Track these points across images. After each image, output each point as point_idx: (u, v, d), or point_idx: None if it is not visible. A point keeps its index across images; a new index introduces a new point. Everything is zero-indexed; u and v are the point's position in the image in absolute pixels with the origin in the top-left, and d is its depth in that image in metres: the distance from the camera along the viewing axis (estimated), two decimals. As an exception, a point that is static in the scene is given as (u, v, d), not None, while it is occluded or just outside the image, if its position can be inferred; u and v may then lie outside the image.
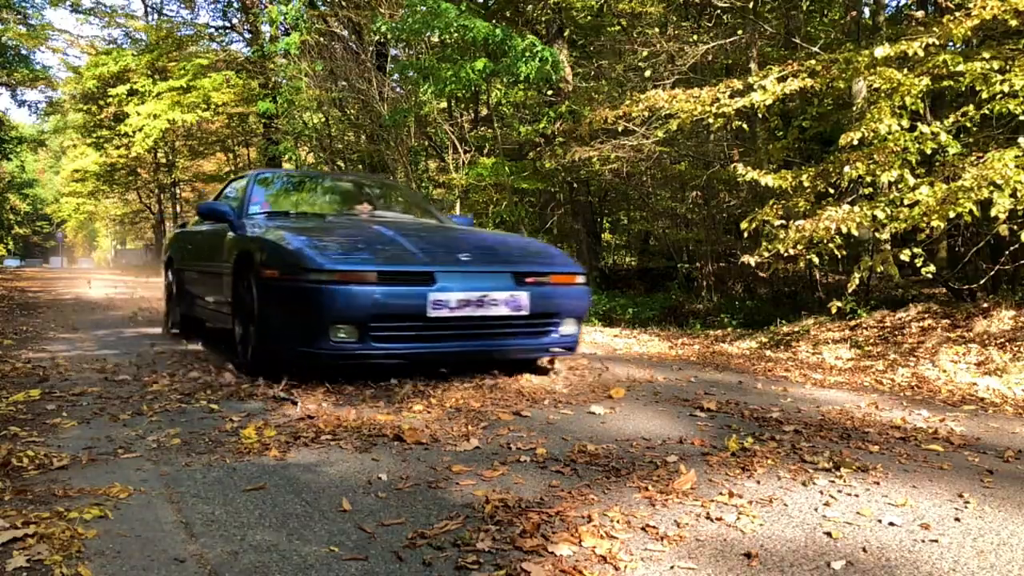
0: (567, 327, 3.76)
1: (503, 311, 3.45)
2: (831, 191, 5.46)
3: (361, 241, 3.70)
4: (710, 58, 9.00)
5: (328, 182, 5.57)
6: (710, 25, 9.80)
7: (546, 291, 3.64)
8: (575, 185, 11.00)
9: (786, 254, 5.10)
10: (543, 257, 3.99)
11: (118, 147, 25.08)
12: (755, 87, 5.67)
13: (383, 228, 3.98)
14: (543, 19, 11.17)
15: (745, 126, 7.76)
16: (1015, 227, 4.67)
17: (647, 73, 8.67)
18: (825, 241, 4.88)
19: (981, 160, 4.57)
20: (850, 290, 5.18)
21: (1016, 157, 4.34)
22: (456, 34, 8.02)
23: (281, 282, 3.37)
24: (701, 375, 4.23)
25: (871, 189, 5.56)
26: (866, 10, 8.23)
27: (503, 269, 3.61)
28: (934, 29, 5.08)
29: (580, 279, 3.84)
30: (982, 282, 6.03)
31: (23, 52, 22.61)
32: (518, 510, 1.83)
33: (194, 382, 3.59)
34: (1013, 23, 4.89)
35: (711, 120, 6.23)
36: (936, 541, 1.68)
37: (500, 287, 3.48)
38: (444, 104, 11.63)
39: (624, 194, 11.44)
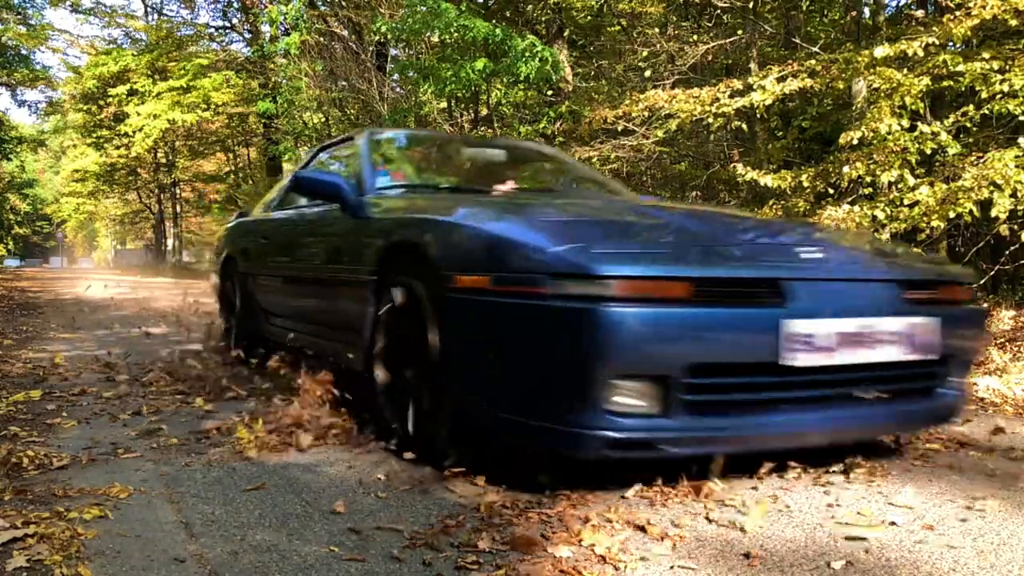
0: (959, 375, 2.30)
1: (896, 353, 2.02)
2: (831, 191, 5.46)
3: (621, 228, 2.31)
4: (710, 58, 9.00)
5: (468, 147, 4.16)
6: (710, 25, 9.80)
7: (950, 315, 2.19)
8: (575, 185, 10.99)
9: (786, 254, 5.09)
10: (905, 255, 2.57)
11: (118, 147, 25.12)
12: (755, 87, 5.67)
13: (629, 205, 2.78)
14: (543, 19, 11.17)
15: (745, 126, 7.76)
16: (1015, 227, 4.67)
17: (647, 73, 8.67)
18: (825, 241, 4.87)
19: (981, 160, 4.57)
20: (850, 290, 5.16)
21: (1016, 157, 4.34)
22: (456, 34, 8.02)
23: (500, 299, 1.92)
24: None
25: (871, 189, 5.56)
26: (866, 10, 8.23)
27: (884, 276, 2.19)
28: (934, 29, 5.09)
29: (966, 292, 2.37)
30: (982, 282, 6.03)
31: (23, 52, 22.67)
32: (517, 510, 1.83)
33: (194, 382, 3.58)
34: (1013, 23, 4.89)
35: (711, 120, 6.23)
36: (936, 541, 1.68)
37: (885, 309, 2.05)
38: (444, 104, 11.63)
39: (624, 194, 11.45)
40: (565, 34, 11.26)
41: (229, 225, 4.86)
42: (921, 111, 5.62)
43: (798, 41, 8.30)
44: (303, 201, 3.62)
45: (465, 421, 2.09)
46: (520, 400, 1.91)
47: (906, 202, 4.67)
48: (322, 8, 12.55)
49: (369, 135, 3.42)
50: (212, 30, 21.39)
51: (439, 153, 3.82)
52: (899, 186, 4.91)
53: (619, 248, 1.96)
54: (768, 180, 5.42)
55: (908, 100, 4.94)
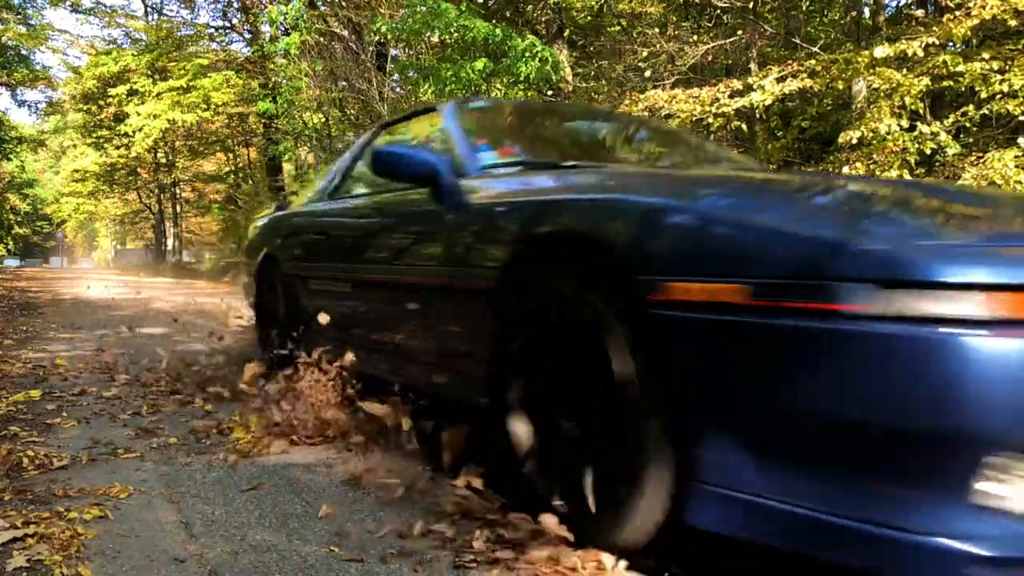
0: None
1: None
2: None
3: (917, 211, 1.47)
4: (710, 58, 9.01)
5: (569, 118, 3.47)
6: (710, 25, 9.81)
7: None
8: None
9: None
10: None
11: (118, 147, 25.13)
12: (755, 87, 5.68)
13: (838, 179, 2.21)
14: (543, 19, 11.18)
15: (745, 126, 7.77)
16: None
17: (647, 73, 8.68)
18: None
19: (981, 160, 4.57)
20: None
21: (1016, 157, 4.35)
22: (456, 34, 8.03)
23: (766, 319, 1.25)
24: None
25: (871, 189, 5.57)
26: (866, 10, 8.23)
27: None
28: (934, 29, 5.09)
29: None
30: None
31: (23, 52, 22.68)
32: (514, 511, 1.83)
33: (195, 383, 3.58)
34: (1013, 23, 4.90)
35: (711, 120, 6.24)
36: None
37: None
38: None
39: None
40: (565, 34, 11.27)
41: (266, 218, 4.21)
42: (921, 111, 5.63)
43: (798, 41, 8.31)
44: (360, 189, 3.12)
45: (695, 508, 1.37)
46: (806, 483, 1.22)
47: (906, 202, 4.68)
48: (322, 8, 12.56)
49: (455, 105, 2.80)
50: (212, 30, 21.40)
51: (541, 125, 3.11)
52: (899, 186, 4.92)
53: (963, 241, 1.25)
54: (768, 180, 5.42)
55: (908, 100, 4.95)
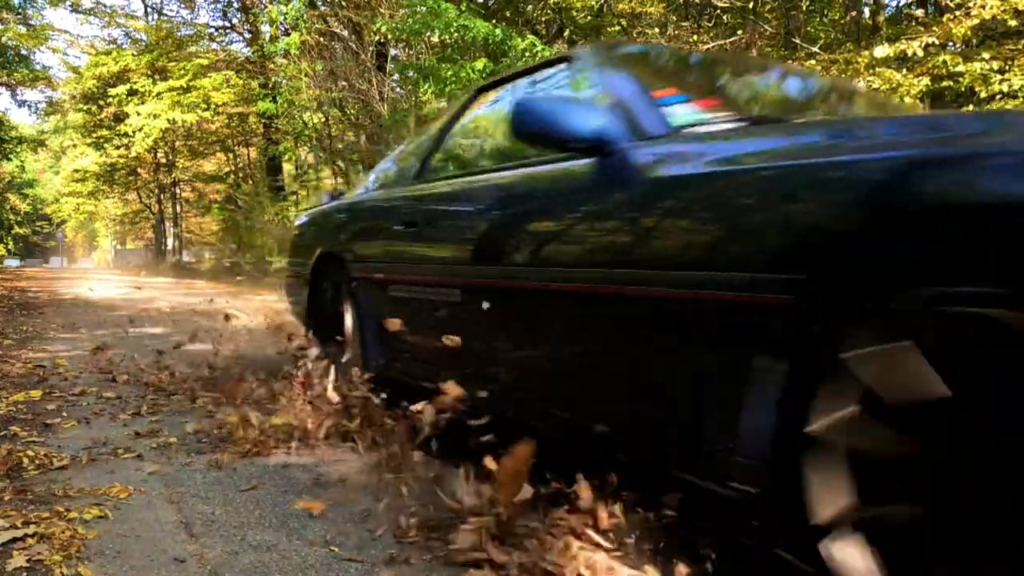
0: None
1: None
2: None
3: None
4: (710, 58, 9.01)
5: (746, 69, 2.60)
6: (710, 25, 9.81)
7: None
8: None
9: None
10: None
11: (118, 147, 25.12)
12: (755, 87, 5.68)
13: None
14: (543, 19, 11.19)
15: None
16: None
17: (647, 73, 8.68)
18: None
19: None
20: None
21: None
22: (456, 34, 8.04)
23: None
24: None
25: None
26: (866, 10, 8.24)
27: None
28: (934, 29, 5.10)
29: None
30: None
31: (23, 52, 22.69)
32: (514, 512, 1.83)
33: (195, 383, 3.58)
34: (1013, 23, 4.90)
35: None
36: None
37: None
38: (444, 104, 11.65)
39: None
40: (565, 34, 11.28)
41: (313, 211, 3.64)
42: (921, 111, 5.63)
43: (798, 41, 8.31)
44: (451, 169, 2.60)
45: None
46: None
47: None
48: (322, 8, 12.56)
49: (602, 50, 2.15)
50: (212, 30, 21.42)
51: (709, 73, 2.39)
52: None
53: None
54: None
55: (908, 100, 4.95)
